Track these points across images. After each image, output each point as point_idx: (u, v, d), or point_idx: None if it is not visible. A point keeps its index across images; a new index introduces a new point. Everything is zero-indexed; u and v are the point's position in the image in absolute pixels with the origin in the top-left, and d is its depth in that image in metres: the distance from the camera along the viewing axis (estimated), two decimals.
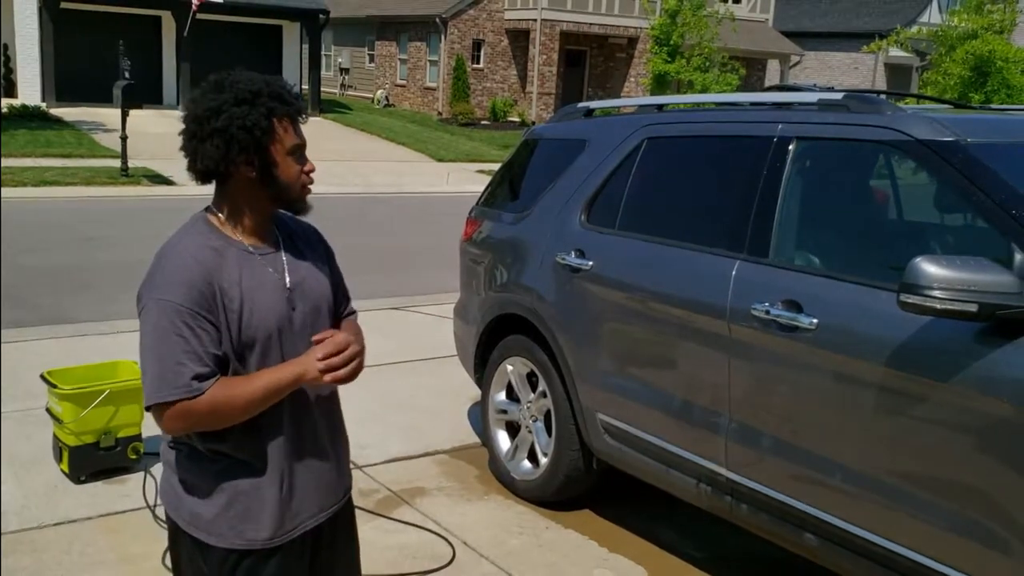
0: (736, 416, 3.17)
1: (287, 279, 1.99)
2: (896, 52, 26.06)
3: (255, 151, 1.88)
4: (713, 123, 3.60)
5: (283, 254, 2.02)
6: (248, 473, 1.96)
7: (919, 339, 2.62)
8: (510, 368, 4.26)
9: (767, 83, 32.11)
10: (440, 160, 20.26)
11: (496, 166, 19.61)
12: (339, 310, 2.19)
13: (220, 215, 1.97)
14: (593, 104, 4.34)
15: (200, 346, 1.85)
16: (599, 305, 3.71)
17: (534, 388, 4.17)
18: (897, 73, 34.21)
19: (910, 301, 2.44)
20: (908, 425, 2.66)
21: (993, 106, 3.96)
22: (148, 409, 1.88)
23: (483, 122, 27.12)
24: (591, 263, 3.76)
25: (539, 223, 4.11)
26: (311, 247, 2.12)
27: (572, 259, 3.84)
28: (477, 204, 4.78)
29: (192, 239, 1.93)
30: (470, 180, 17.25)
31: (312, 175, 1.99)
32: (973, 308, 2.37)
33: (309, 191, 2.01)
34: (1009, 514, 2.42)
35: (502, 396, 4.37)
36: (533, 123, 27.92)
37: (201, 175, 1.92)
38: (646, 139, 3.78)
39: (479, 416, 4.72)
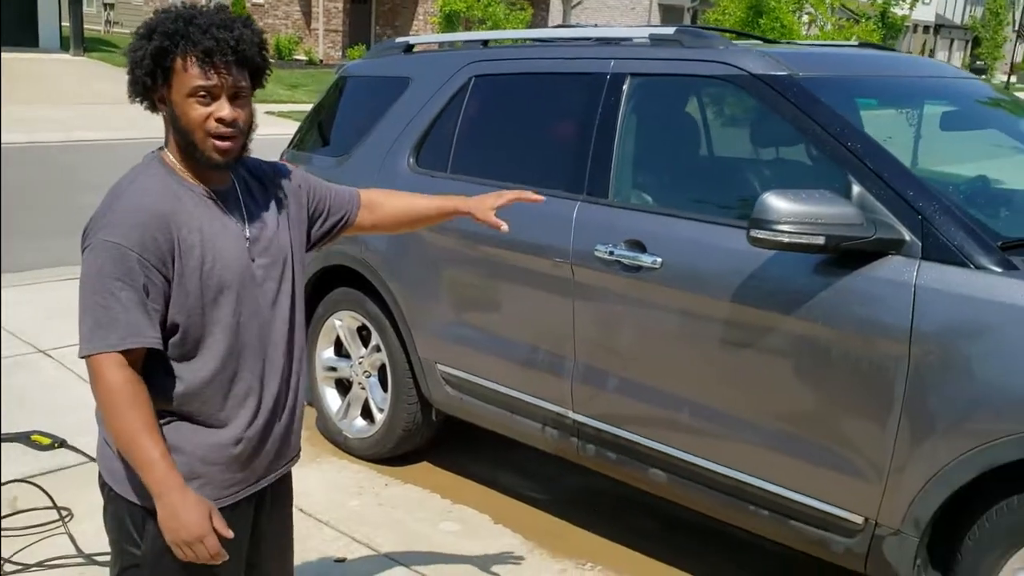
0: (582, 358, 3.14)
1: (246, 229, 1.82)
2: None
3: (144, 89, 1.75)
4: (543, 60, 3.49)
5: (241, 199, 1.84)
6: (200, 432, 1.80)
7: (763, 274, 2.66)
8: (338, 323, 4.03)
9: (550, 23, 32.52)
10: None
11: (286, 107, 18.78)
12: (345, 215, 2.11)
13: (171, 154, 1.81)
14: (413, 39, 4.11)
15: (146, 297, 1.67)
16: (435, 253, 3.55)
17: (366, 343, 3.97)
18: (671, 13, 35.62)
19: (760, 236, 2.45)
20: (754, 358, 2.71)
21: (801, 42, 4.09)
22: (84, 358, 1.70)
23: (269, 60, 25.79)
24: None
25: (363, 166, 3.87)
26: (274, 192, 1.93)
27: None
28: (289, 147, 4.46)
29: (149, 178, 1.75)
30: (260, 122, 16.35)
31: (225, 121, 1.73)
32: (820, 241, 2.41)
33: (219, 142, 1.75)
34: (856, 440, 2.52)
35: (330, 353, 4.14)
36: (321, 61, 26.89)
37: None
38: (474, 77, 3.62)
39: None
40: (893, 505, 2.46)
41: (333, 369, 4.14)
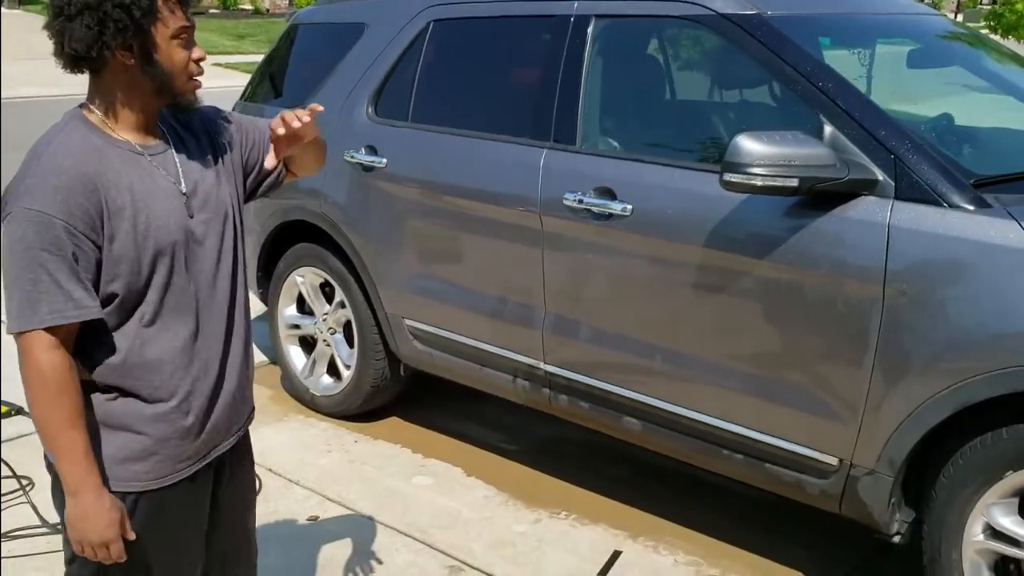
0: (552, 309, 3.09)
1: (182, 183, 1.72)
2: None
3: (133, 33, 1.59)
4: (505, 2, 3.37)
5: (174, 153, 1.73)
6: (148, 405, 1.70)
7: (736, 218, 2.63)
8: (300, 280, 3.94)
9: None
10: None
11: (233, 58, 18.32)
12: (278, 164, 1.94)
13: (97, 111, 1.68)
14: None
15: (76, 266, 1.57)
16: (399, 205, 3.46)
17: (329, 299, 3.89)
18: None
19: (733, 180, 2.41)
20: (728, 304, 2.69)
21: None
22: (17, 336, 1.58)
23: (212, 11, 25.16)
24: (385, 160, 3.48)
25: (319, 117, 3.69)
26: (208, 137, 1.82)
27: (363, 156, 3.55)
28: (241, 99, 4.32)
29: (68, 137, 1.62)
30: (206, 75, 15.83)
31: (202, 64, 1.71)
32: (794, 183, 2.38)
33: (198, 83, 1.72)
34: (830, 382, 2.52)
35: (292, 310, 4.05)
36: (267, 10, 26.23)
37: (71, 61, 1.62)
38: (432, 21, 3.51)
39: (263, 331, 4.38)
40: (868, 445, 2.47)
41: (296, 327, 4.06)
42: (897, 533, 2.55)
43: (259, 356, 4.62)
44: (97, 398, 1.67)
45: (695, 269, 2.74)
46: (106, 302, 1.63)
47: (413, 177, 3.42)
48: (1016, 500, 2.31)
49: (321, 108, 1.87)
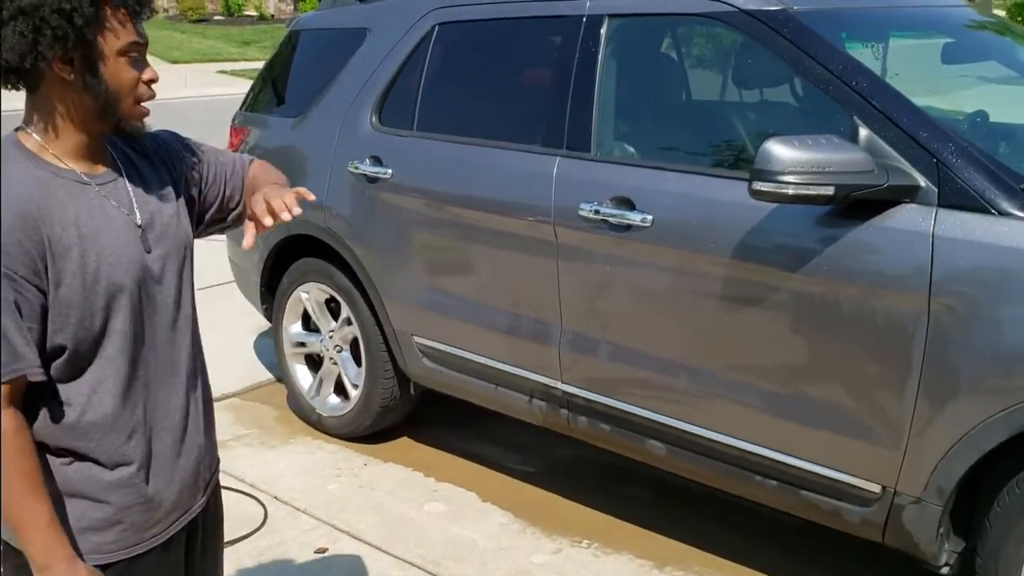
0: (569, 325, 2.93)
1: (137, 215, 1.54)
2: None
3: (74, 44, 1.40)
4: (513, 3, 3.21)
5: (126, 182, 1.55)
6: (107, 471, 1.52)
7: (765, 228, 2.45)
8: (305, 296, 3.78)
9: None
10: (173, 62, 18.58)
11: (238, 65, 18.28)
12: (241, 200, 1.76)
13: (35, 135, 1.48)
14: None
15: (21, 319, 1.39)
16: (406, 217, 3.30)
17: (335, 315, 3.73)
18: None
19: (763, 189, 2.23)
20: (758, 320, 2.51)
21: None
22: None
23: (216, 17, 25.10)
24: (390, 171, 3.32)
25: (322, 127, 3.59)
26: (165, 165, 1.64)
27: (367, 167, 3.38)
28: (241, 110, 4.17)
29: (5, 170, 1.43)
30: (211, 82, 15.86)
31: (154, 87, 1.53)
32: (830, 191, 2.20)
33: (146, 110, 1.52)
34: (872, 404, 2.34)
35: (298, 327, 3.89)
36: (272, 16, 26.17)
37: (2, 74, 1.43)
38: (437, 24, 3.34)
39: (269, 347, 4.23)
40: (914, 472, 2.29)
41: (302, 344, 3.90)
42: (946, 564, 2.37)
43: (265, 374, 4.47)
44: (52, 463, 1.49)
45: (721, 283, 2.57)
46: (56, 354, 1.44)
47: (420, 188, 3.26)
48: None
49: (312, 197, 1.65)
